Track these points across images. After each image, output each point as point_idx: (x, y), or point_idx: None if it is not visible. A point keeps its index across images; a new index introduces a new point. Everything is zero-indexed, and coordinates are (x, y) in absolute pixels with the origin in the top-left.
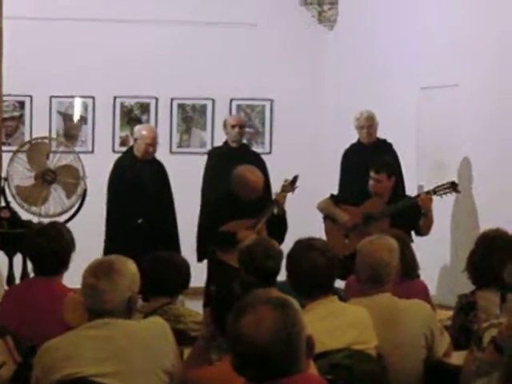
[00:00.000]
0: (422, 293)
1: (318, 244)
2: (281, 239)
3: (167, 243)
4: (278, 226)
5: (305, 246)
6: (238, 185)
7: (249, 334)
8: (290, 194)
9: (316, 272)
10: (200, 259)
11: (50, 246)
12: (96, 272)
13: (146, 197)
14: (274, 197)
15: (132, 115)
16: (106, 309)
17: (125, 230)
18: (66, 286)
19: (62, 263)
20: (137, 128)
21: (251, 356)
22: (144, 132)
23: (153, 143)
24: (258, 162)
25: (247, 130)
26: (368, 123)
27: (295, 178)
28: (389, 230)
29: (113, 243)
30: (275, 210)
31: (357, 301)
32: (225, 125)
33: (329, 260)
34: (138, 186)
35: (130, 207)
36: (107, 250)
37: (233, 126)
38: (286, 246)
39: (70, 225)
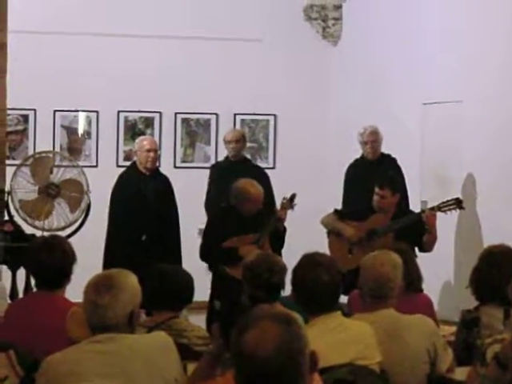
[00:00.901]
0: (426, 306)
1: (324, 260)
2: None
3: (169, 258)
4: (277, 241)
5: (311, 262)
6: (239, 198)
7: (252, 349)
8: (289, 211)
9: (320, 289)
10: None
11: (52, 260)
12: (97, 287)
13: (148, 211)
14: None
15: (136, 129)
16: (108, 324)
17: (126, 245)
18: (69, 300)
19: (65, 276)
20: (136, 141)
21: (254, 371)
22: (143, 142)
23: (152, 149)
24: (260, 176)
25: (250, 144)
26: (372, 138)
27: (293, 196)
28: (393, 243)
29: (113, 258)
30: (277, 225)
31: (360, 316)
32: (224, 141)
33: (334, 277)
34: (141, 201)
35: (132, 222)
36: (107, 265)
37: (228, 142)
38: (290, 261)
39: (73, 239)
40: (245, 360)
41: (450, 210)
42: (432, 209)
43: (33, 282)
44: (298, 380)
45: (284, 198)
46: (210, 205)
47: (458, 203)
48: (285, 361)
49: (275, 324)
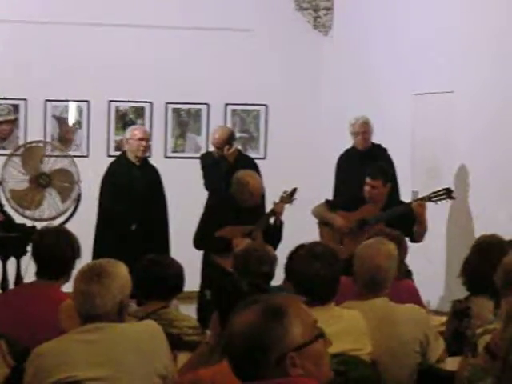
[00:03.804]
0: (411, 292)
1: (325, 253)
2: (274, 249)
3: (157, 248)
4: (274, 236)
5: (311, 254)
6: (238, 189)
7: (231, 328)
8: (287, 205)
9: (318, 282)
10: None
11: (62, 249)
12: (87, 276)
13: (137, 201)
14: (272, 206)
15: (127, 119)
16: (98, 313)
17: (116, 234)
18: (64, 292)
19: (67, 268)
20: (127, 130)
21: (230, 350)
22: (135, 131)
23: (144, 138)
24: (251, 167)
25: (241, 135)
26: (363, 129)
27: (294, 190)
28: (384, 230)
29: (103, 247)
30: (272, 220)
31: (352, 304)
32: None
33: (333, 270)
34: (131, 191)
35: (121, 212)
36: (96, 255)
37: (213, 145)
38: (281, 251)
39: None
40: (228, 339)
41: (440, 199)
42: (422, 199)
43: (23, 272)
44: (276, 366)
45: (284, 192)
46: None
47: (448, 193)
48: (250, 346)
49: (254, 310)
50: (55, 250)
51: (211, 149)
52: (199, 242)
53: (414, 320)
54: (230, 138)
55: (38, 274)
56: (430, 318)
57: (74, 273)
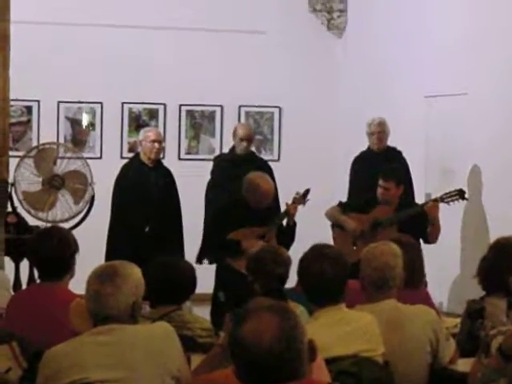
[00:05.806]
0: (424, 300)
1: (331, 253)
2: (287, 250)
3: (171, 250)
4: (287, 236)
5: (318, 254)
6: (249, 191)
7: (251, 339)
8: (300, 206)
9: (326, 281)
10: (199, 261)
11: (49, 250)
12: (100, 277)
13: (151, 203)
14: (284, 207)
15: (140, 121)
16: (110, 314)
17: (129, 237)
18: (72, 292)
19: (67, 266)
20: (141, 132)
21: (254, 362)
22: (148, 133)
23: (158, 139)
24: (265, 169)
25: (256, 137)
26: (379, 129)
27: (307, 191)
28: (399, 235)
29: (116, 249)
30: (285, 221)
31: (362, 307)
32: (234, 134)
33: (340, 270)
34: (144, 192)
35: (134, 214)
36: (109, 257)
37: (241, 140)
38: (295, 253)
39: (76, 231)
40: (244, 351)
41: (452, 200)
42: (435, 200)
43: (36, 273)
44: (297, 368)
45: (297, 193)
46: (211, 196)
47: (460, 194)
48: (284, 349)
49: (272, 314)
50: (53, 254)
51: (225, 150)
52: (209, 245)
53: (424, 320)
54: (253, 132)
55: (41, 277)
56: (441, 319)
57: (86, 273)
